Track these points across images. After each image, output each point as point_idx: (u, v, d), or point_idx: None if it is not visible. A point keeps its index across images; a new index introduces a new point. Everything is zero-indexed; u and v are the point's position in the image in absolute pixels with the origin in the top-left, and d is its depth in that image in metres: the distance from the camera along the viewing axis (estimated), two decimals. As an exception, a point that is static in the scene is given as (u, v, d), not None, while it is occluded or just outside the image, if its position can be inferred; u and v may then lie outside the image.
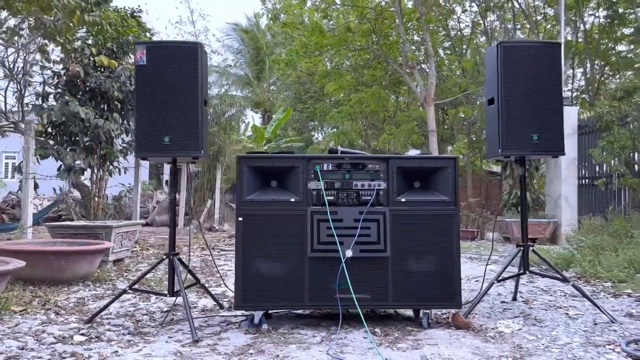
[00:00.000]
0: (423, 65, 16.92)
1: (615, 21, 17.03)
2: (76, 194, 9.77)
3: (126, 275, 5.31)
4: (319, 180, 3.31)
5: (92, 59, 7.45)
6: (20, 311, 3.69)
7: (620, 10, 17.58)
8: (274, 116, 19.57)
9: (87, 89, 7.46)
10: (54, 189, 11.99)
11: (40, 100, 7.29)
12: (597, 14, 18.14)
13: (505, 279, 3.62)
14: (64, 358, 2.70)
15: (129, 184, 14.07)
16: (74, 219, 7.81)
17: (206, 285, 4.18)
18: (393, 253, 3.23)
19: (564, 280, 3.55)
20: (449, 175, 3.32)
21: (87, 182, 8.57)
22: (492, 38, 18.26)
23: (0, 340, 2.97)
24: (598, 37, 17.43)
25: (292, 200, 3.29)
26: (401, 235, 3.26)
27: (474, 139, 18.16)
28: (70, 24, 7.06)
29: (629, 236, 6.01)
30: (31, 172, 6.59)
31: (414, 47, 16.92)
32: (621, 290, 4.54)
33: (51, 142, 7.44)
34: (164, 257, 3.49)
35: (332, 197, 3.30)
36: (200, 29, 27.81)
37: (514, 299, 4.04)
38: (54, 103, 7.37)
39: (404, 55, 14.31)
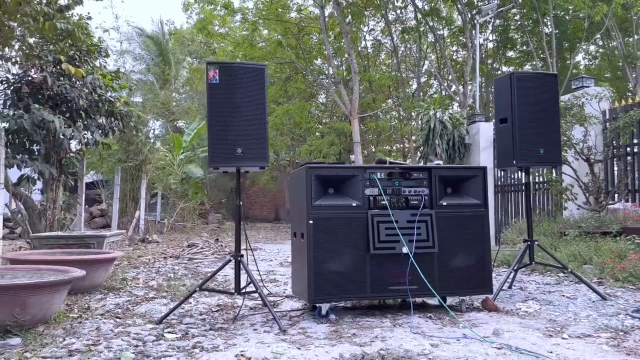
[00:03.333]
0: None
1: (508, 45, 19.12)
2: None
3: (130, 283, 5.39)
4: (374, 187, 3.81)
5: (54, 67, 7.32)
6: (77, 317, 3.79)
7: (510, 35, 19.77)
8: (191, 126, 19.47)
9: (49, 96, 7.30)
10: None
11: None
12: (489, 38, 20.23)
13: (519, 268, 4.35)
14: (188, 350, 2.95)
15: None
16: (30, 231, 7.54)
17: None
18: (439, 249, 3.81)
19: (564, 268, 4.34)
20: (480, 182, 3.96)
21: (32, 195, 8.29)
22: (396, 56, 19.64)
23: (103, 340, 3.12)
24: (488, 59, 19.43)
25: (354, 204, 3.75)
26: (444, 234, 3.84)
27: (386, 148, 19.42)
28: (35, 31, 6.92)
29: (564, 234, 7.07)
30: (1, 182, 6.37)
31: (333, 61, 17.74)
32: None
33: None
34: (231, 258, 3.80)
35: (385, 202, 3.81)
36: (125, 34, 26.89)
37: (510, 287, 4.77)
38: (8, 110, 7.13)
39: (329, 70, 15.05)
